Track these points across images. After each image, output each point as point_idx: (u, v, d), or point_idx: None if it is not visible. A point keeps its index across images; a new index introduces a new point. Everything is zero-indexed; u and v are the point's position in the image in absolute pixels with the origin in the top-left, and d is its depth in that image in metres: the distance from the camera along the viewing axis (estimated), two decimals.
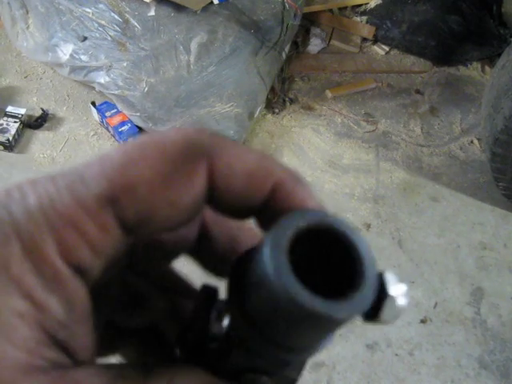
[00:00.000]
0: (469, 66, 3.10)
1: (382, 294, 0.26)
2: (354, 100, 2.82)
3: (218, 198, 0.26)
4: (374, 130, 2.70)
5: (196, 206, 0.26)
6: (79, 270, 0.24)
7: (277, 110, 2.64)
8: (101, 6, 2.29)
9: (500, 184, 2.36)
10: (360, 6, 3.11)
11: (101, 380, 0.24)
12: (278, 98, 2.66)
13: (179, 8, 2.28)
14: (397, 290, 0.26)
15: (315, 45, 2.94)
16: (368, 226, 2.32)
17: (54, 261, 0.23)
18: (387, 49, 3.06)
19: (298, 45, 2.91)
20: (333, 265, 0.27)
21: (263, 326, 0.26)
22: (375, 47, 3.07)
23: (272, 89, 2.61)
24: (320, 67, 2.90)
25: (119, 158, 0.24)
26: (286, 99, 2.69)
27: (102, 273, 0.25)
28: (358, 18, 3.10)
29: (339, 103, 2.79)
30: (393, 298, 0.26)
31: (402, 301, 0.26)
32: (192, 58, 2.28)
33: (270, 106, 2.66)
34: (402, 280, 0.27)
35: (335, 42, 3.02)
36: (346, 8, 3.11)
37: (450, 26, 3.00)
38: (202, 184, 0.25)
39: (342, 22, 3.06)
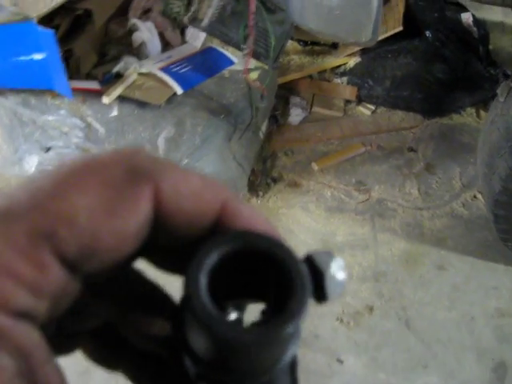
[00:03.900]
0: (462, 113, 2.97)
1: (318, 276, 0.27)
2: (342, 169, 2.67)
3: (164, 223, 0.25)
4: (367, 199, 2.55)
5: (142, 233, 0.24)
6: (23, 315, 0.22)
7: (261, 193, 2.51)
8: (62, 112, 2.26)
9: (509, 244, 2.23)
10: (339, 67, 3.01)
11: None
12: (260, 180, 2.53)
13: (142, 104, 2.24)
14: (332, 268, 0.27)
15: (296, 115, 2.82)
16: (370, 309, 2.16)
17: None
18: (373, 108, 2.94)
19: (278, 118, 2.79)
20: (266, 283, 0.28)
21: (209, 359, 0.26)
22: (360, 108, 2.94)
23: (253, 171, 2.49)
24: (303, 138, 2.77)
25: (51, 184, 0.22)
26: (268, 180, 2.56)
27: (52, 310, 0.23)
28: (339, 80, 2.99)
29: (327, 175, 2.64)
30: (330, 277, 0.27)
31: (340, 275, 0.27)
32: (161, 155, 2.19)
33: (253, 189, 2.53)
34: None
35: (317, 109, 2.89)
36: (324, 71, 3.01)
37: (436, 76, 2.91)
38: (148, 209, 0.24)
39: (322, 87, 2.95)
